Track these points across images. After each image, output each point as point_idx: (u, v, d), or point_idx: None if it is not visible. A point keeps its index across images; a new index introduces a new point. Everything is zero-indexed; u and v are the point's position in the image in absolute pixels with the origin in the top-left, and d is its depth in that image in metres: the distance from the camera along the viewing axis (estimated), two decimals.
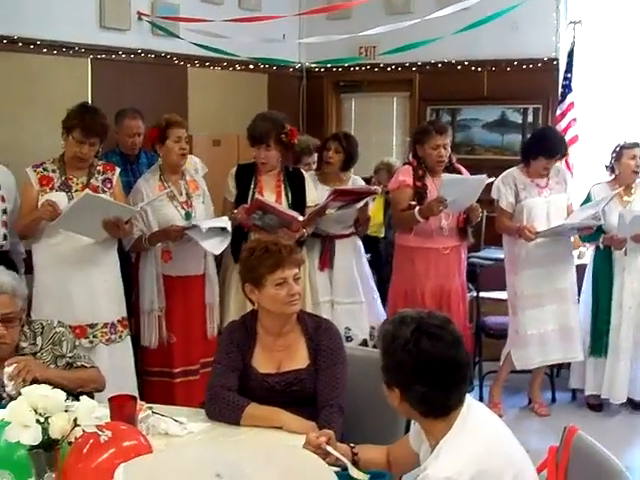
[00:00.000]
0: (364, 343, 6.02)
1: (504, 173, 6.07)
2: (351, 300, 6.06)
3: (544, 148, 5.89)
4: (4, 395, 3.40)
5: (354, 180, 6.15)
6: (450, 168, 5.92)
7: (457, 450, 2.41)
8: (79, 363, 3.67)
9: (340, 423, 3.29)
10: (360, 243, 6.19)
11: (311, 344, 3.46)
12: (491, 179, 5.80)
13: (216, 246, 5.14)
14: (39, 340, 3.64)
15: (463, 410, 2.50)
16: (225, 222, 5.18)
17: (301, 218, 5.37)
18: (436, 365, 2.43)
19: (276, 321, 3.46)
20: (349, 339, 5.96)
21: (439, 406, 2.48)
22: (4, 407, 3.13)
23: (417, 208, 5.64)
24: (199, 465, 2.28)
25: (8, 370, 3.37)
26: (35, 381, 3.33)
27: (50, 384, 3.30)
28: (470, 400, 2.55)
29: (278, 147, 5.50)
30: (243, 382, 3.44)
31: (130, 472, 2.28)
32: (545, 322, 6.01)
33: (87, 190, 4.85)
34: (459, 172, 5.99)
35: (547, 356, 6.09)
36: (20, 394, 3.32)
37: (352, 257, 6.07)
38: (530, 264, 5.95)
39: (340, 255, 6.00)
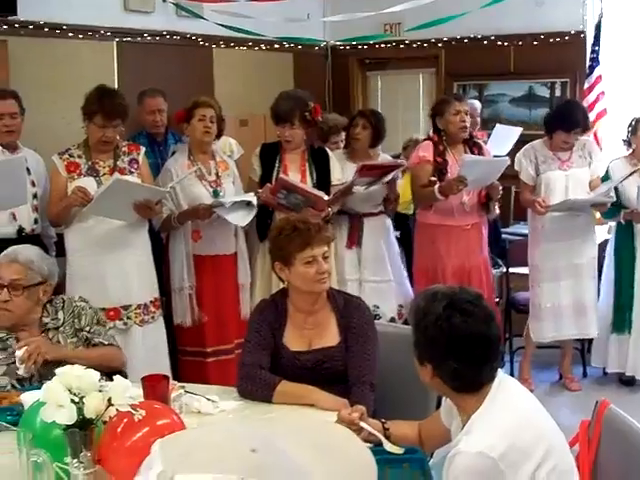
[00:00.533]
0: (392, 321, 6.01)
1: (526, 146, 6.05)
2: (379, 278, 6.03)
3: (563, 122, 5.85)
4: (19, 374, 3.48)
5: (382, 157, 6.13)
6: (470, 142, 5.90)
7: (489, 424, 2.41)
8: (97, 340, 3.70)
9: (371, 400, 3.30)
10: (389, 222, 6.16)
11: (341, 321, 3.47)
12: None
13: (242, 219, 5.15)
14: (60, 314, 3.70)
15: (494, 385, 2.50)
16: (250, 197, 5.20)
17: (326, 197, 5.36)
18: (468, 341, 2.44)
19: (306, 299, 3.48)
20: (377, 317, 5.94)
21: (471, 381, 2.49)
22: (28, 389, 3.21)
23: (437, 185, 5.59)
24: (234, 440, 2.30)
25: (19, 353, 3.43)
26: (47, 362, 3.43)
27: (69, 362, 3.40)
28: (502, 375, 2.55)
29: (302, 125, 5.50)
30: (275, 360, 3.46)
31: (166, 448, 2.30)
32: (560, 296, 6.00)
33: (116, 174, 4.87)
34: (480, 146, 5.97)
35: (561, 331, 6.07)
36: (33, 376, 3.44)
37: (381, 235, 6.04)
38: (549, 238, 5.94)
39: (369, 233, 5.98)
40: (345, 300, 3.54)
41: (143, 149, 5.21)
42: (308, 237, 3.41)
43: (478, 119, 7.58)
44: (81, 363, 3.34)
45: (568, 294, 5.99)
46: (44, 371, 3.48)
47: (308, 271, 3.40)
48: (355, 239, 5.97)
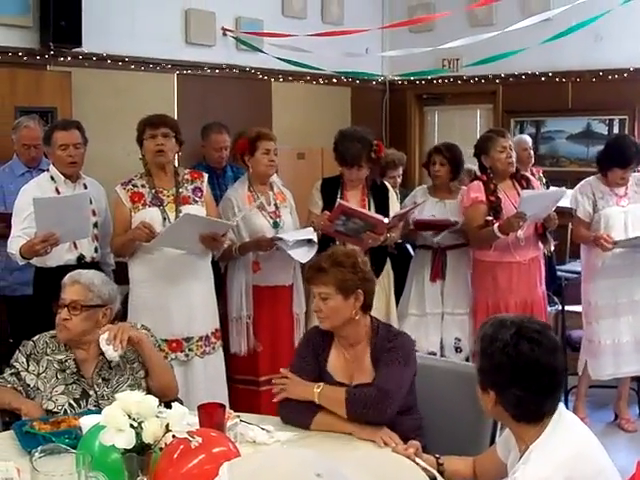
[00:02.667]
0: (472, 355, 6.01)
1: (582, 182, 5.99)
2: (461, 311, 6.03)
3: (617, 158, 5.80)
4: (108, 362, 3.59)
5: (464, 192, 6.14)
6: (518, 175, 5.88)
7: (547, 455, 2.40)
8: None
9: (372, 396, 3.27)
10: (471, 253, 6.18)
11: (374, 355, 3.45)
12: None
13: (304, 255, 5.16)
14: None
15: (554, 417, 2.49)
16: (311, 233, 5.23)
17: (386, 220, 5.37)
18: (534, 370, 2.43)
19: (336, 331, 3.51)
20: (458, 350, 5.97)
21: (533, 411, 2.48)
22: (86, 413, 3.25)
23: (496, 225, 5.56)
24: (300, 465, 2.31)
25: (104, 336, 3.54)
26: (130, 342, 3.58)
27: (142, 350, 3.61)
28: (562, 408, 2.54)
29: (368, 165, 5.56)
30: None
31: (235, 469, 2.31)
32: (620, 333, 5.90)
33: (186, 211, 4.87)
34: (527, 179, 5.94)
35: (620, 368, 5.97)
36: (120, 361, 3.54)
37: (463, 267, 6.04)
38: (607, 274, 5.86)
39: (452, 266, 6.00)
40: (387, 332, 3.52)
41: (206, 176, 5.20)
42: (308, 275, 3.56)
43: (532, 152, 7.53)
44: (149, 358, 3.62)
45: (628, 330, 5.90)
46: (128, 357, 3.64)
47: (313, 305, 3.53)
48: (438, 272, 5.98)
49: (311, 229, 5.32)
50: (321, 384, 3.38)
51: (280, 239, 5.15)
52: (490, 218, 5.65)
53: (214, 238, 4.85)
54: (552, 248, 6.12)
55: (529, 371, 2.43)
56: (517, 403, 2.47)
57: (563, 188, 5.73)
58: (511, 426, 2.60)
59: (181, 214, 4.84)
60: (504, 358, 2.44)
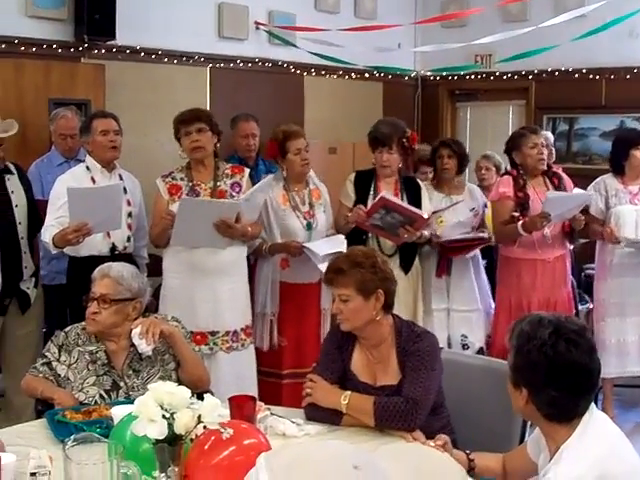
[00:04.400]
0: (480, 351, 5.98)
1: (597, 179, 5.99)
2: (467, 308, 6.02)
3: (630, 139, 5.85)
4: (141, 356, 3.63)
5: (470, 189, 6.13)
6: (549, 173, 5.85)
7: (578, 455, 2.38)
8: None
9: (401, 407, 3.23)
10: (477, 251, 6.15)
11: (400, 356, 3.42)
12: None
13: None
14: None
15: (585, 417, 2.48)
16: (341, 245, 5.16)
17: (426, 215, 5.37)
18: (570, 370, 2.42)
19: (358, 333, 3.49)
20: (465, 347, 5.95)
21: (567, 411, 2.46)
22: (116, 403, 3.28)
23: (520, 222, 5.56)
24: (337, 456, 2.32)
25: (136, 330, 3.58)
26: (162, 335, 3.62)
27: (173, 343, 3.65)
28: (593, 408, 2.52)
29: (399, 151, 5.53)
30: (343, 384, 3.46)
31: (272, 460, 2.32)
32: (626, 332, 5.89)
33: (183, 196, 4.90)
34: (559, 177, 5.90)
35: (625, 367, 5.96)
36: (151, 353, 3.58)
37: (470, 265, 6.03)
38: (616, 273, 5.87)
39: (458, 262, 5.97)
40: (410, 331, 3.48)
41: (247, 171, 5.21)
42: (327, 278, 3.53)
43: (553, 150, 7.49)
44: (181, 350, 3.66)
45: (634, 330, 5.90)
46: (159, 349, 3.67)
47: (333, 307, 3.52)
48: (445, 268, 5.95)
49: (342, 237, 5.29)
50: (348, 393, 3.34)
51: (310, 250, 5.14)
52: (516, 214, 5.64)
53: (228, 225, 4.83)
54: (579, 246, 6.11)
55: (565, 372, 2.42)
56: (551, 403, 2.45)
57: (590, 191, 5.71)
58: (542, 425, 2.57)
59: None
60: (541, 357, 2.42)
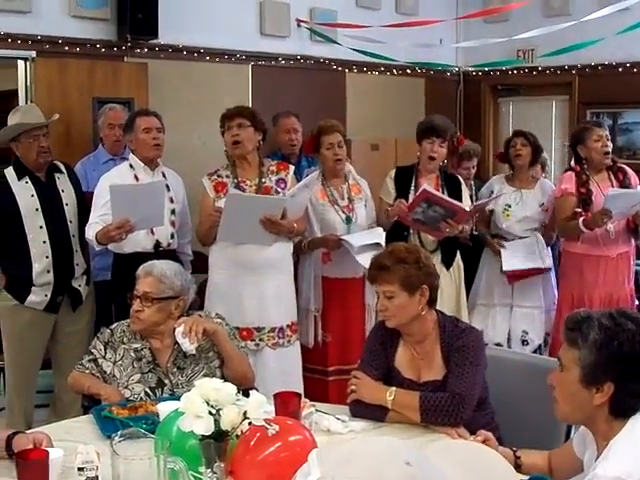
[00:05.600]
0: (538, 349, 5.97)
1: None
2: (530, 304, 6.07)
3: None
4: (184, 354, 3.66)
5: (542, 183, 6.15)
6: (615, 168, 5.80)
7: (628, 450, 2.36)
8: None
9: (447, 403, 3.24)
10: (549, 249, 6.18)
11: (445, 352, 3.41)
12: None
13: (369, 260, 5.11)
14: None
15: (637, 414, 2.45)
16: (379, 237, 5.19)
17: (468, 208, 5.36)
18: None
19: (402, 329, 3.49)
20: (525, 343, 5.99)
21: (637, 404, 2.44)
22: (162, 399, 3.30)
23: (581, 219, 5.53)
24: (389, 452, 2.30)
25: (180, 329, 3.61)
26: (206, 333, 3.66)
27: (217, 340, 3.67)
28: None
29: (448, 146, 5.55)
30: (387, 380, 3.46)
31: (324, 456, 2.32)
32: None
33: (231, 190, 4.92)
34: (625, 171, 5.83)
35: None
36: (195, 350, 3.61)
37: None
38: None
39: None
40: (454, 327, 3.47)
41: (292, 168, 5.23)
42: (371, 274, 3.53)
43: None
44: (224, 348, 3.69)
45: None
46: (203, 347, 3.69)
47: (378, 304, 3.54)
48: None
49: (380, 230, 5.30)
50: (393, 389, 3.35)
51: (347, 242, 5.15)
52: (579, 210, 5.60)
53: (274, 221, 4.84)
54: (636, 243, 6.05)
55: None
56: (634, 395, 2.43)
57: None
58: (600, 423, 2.50)
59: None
60: (636, 347, 2.39)
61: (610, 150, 5.73)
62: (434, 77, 9.29)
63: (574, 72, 8.92)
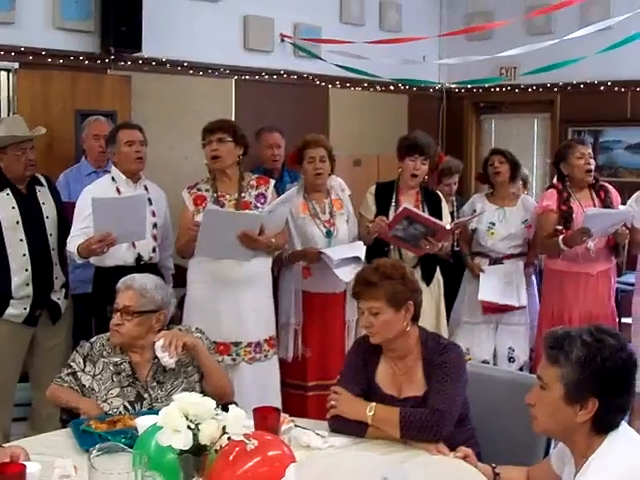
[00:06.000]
0: (524, 365, 6.03)
1: (637, 192, 5.91)
2: (515, 321, 6.11)
3: None
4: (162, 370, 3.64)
5: (524, 200, 6.18)
6: (597, 186, 5.83)
7: (606, 465, 2.37)
8: None
9: (427, 419, 3.22)
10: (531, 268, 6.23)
11: (427, 368, 3.41)
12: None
13: (349, 274, 5.11)
14: None
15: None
16: (359, 250, 5.20)
17: (448, 227, 5.39)
18: (631, 376, 2.44)
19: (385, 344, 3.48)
20: (511, 360, 6.03)
21: (618, 419, 2.47)
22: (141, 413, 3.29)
23: (561, 236, 5.57)
24: (367, 467, 2.32)
25: (159, 343, 3.59)
26: (185, 347, 3.62)
27: (197, 355, 3.64)
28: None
29: (429, 164, 5.58)
30: (367, 396, 3.44)
31: (302, 470, 2.32)
32: None
33: (209, 205, 4.92)
34: (606, 189, 5.87)
35: None
36: (175, 364, 3.58)
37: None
38: None
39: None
40: (436, 343, 3.46)
41: (272, 182, 5.23)
42: (357, 289, 3.49)
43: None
44: (204, 362, 3.66)
45: None
46: (182, 361, 3.67)
47: (362, 320, 3.50)
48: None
49: (361, 244, 5.31)
50: (373, 405, 3.33)
51: (326, 255, 5.15)
52: (559, 227, 5.63)
53: (251, 237, 4.83)
54: (622, 260, 6.09)
55: (632, 376, 2.43)
56: (619, 409, 2.45)
57: (630, 208, 5.70)
58: (581, 439, 2.50)
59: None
60: (618, 362, 2.41)
61: (593, 168, 5.77)
62: (417, 94, 9.32)
63: (556, 90, 8.98)
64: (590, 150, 5.83)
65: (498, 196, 6.16)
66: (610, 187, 5.95)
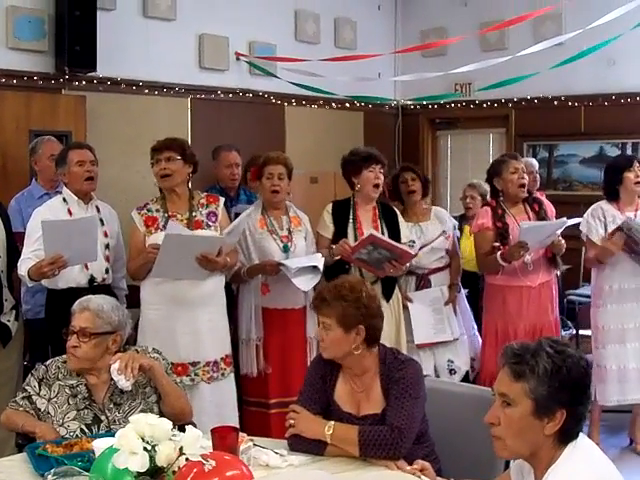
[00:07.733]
0: (466, 376, 6.00)
1: (593, 206, 5.95)
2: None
3: (620, 163, 5.87)
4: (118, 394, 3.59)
5: (436, 213, 6.19)
6: (530, 199, 5.88)
7: (567, 475, 2.38)
8: None
9: (386, 436, 3.22)
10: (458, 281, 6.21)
11: (384, 383, 3.40)
12: (572, 220, 5.77)
13: (306, 283, 5.15)
14: None
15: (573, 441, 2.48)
16: (317, 260, 5.21)
17: (413, 251, 5.43)
18: (590, 384, 2.49)
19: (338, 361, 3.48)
20: (452, 372, 6.00)
21: (580, 428, 2.48)
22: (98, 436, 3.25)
23: (499, 253, 5.60)
24: None
25: (115, 366, 3.53)
26: (142, 369, 3.58)
27: (154, 376, 3.60)
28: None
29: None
30: (326, 414, 3.44)
31: None
32: (626, 359, 5.84)
33: (166, 231, 4.83)
34: (540, 202, 5.93)
35: (626, 395, 5.88)
36: (132, 386, 3.53)
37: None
38: (615, 299, 5.81)
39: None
40: (394, 359, 3.45)
41: (222, 200, 5.19)
42: (314, 302, 3.53)
43: (537, 176, 7.54)
44: (161, 383, 3.62)
45: (635, 357, 5.85)
46: (140, 382, 3.63)
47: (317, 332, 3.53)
48: None
49: (319, 255, 5.31)
50: (332, 423, 3.32)
51: (284, 265, 5.15)
52: (496, 244, 5.66)
53: (208, 259, 4.82)
54: (558, 273, 6.11)
55: (590, 384, 2.49)
56: (582, 417, 2.47)
57: (564, 218, 5.73)
58: (545, 452, 2.48)
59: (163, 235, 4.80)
60: (581, 371, 2.43)
61: (526, 182, 5.80)
62: (373, 111, 9.37)
63: (510, 105, 9.08)
64: (523, 165, 5.87)
65: (411, 213, 6.12)
66: (544, 199, 6.03)
